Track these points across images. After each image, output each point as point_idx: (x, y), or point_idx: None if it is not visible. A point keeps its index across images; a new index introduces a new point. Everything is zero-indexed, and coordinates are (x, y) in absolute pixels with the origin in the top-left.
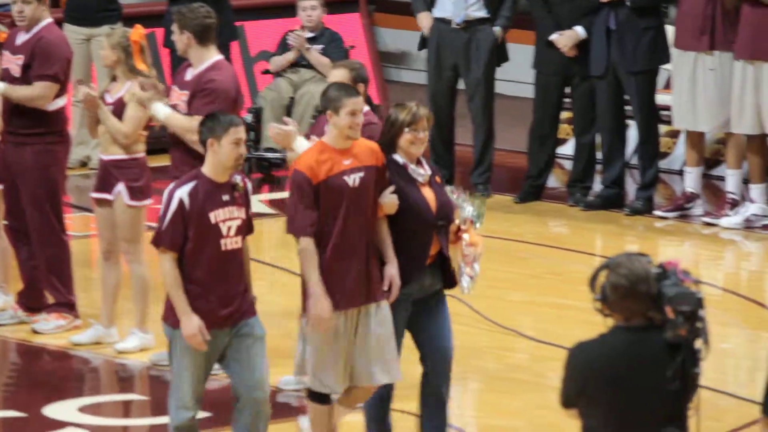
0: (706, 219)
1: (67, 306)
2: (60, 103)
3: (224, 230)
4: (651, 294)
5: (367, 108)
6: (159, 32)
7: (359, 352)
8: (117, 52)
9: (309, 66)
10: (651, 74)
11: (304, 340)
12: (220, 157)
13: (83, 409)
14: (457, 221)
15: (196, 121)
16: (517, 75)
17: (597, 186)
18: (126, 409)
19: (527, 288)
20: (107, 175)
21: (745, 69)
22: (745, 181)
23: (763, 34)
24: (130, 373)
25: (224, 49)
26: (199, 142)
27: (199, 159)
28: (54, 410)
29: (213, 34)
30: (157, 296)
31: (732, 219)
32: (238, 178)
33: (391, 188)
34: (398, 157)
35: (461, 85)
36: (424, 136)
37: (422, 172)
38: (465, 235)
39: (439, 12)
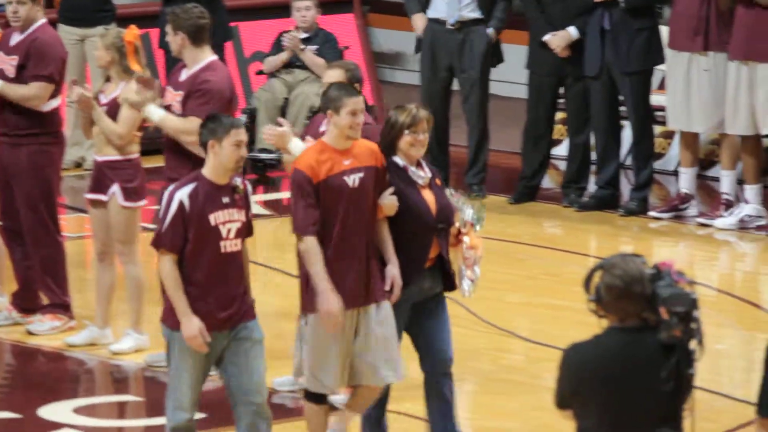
0: (701, 220)
1: (62, 307)
2: (54, 103)
3: (224, 232)
4: (645, 295)
5: None
6: (153, 33)
7: (362, 351)
8: (111, 53)
9: (303, 67)
10: (645, 75)
11: (302, 341)
12: (221, 159)
13: (78, 411)
14: (457, 224)
15: (190, 122)
16: (511, 76)
17: (591, 187)
18: (121, 410)
19: (523, 289)
20: (102, 176)
21: (740, 70)
22: (740, 182)
23: (757, 35)
24: (125, 374)
25: (218, 50)
26: (199, 143)
27: (194, 160)
28: (49, 411)
29: (207, 35)
30: (151, 297)
31: (726, 220)
32: (238, 181)
33: (391, 189)
34: (398, 160)
35: (455, 85)
36: (425, 139)
37: (422, 175)
38: (465, 238)
39: (433, 13)
